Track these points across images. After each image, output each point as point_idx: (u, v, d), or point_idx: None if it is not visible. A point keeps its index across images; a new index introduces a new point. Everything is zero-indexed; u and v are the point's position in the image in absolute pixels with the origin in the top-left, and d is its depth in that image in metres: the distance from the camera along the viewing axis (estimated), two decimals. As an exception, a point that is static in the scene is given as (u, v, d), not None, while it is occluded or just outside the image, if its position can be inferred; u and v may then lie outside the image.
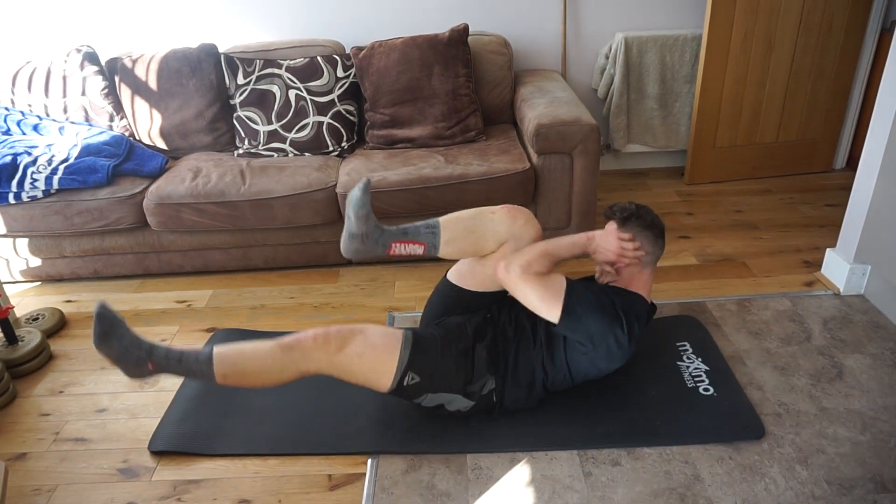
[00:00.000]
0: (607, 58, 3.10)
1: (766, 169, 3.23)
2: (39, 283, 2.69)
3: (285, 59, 2.76)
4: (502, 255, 1.72)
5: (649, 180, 3.32)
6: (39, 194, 2.44)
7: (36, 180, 2.42)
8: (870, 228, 2.13)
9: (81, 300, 2.54)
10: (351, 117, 2.80)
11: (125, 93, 2.80)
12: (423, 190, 2.40)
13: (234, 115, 2.78)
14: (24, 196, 2.43)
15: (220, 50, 2.82)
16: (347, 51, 2.90)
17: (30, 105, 2.78)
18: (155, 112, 2.80)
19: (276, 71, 2.72)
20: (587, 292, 1.65)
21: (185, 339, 2.25)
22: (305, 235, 2.54)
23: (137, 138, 2.86)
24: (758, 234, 2.71)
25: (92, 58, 2.79)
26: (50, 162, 2.47)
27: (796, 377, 1.87)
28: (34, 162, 2.46)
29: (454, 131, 2.72)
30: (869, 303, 2.19)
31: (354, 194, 1.62)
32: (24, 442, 1.82)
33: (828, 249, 2.35)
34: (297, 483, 1.63)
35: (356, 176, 2.45)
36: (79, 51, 2.77)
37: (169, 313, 2.41)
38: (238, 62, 2.74)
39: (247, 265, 2.63)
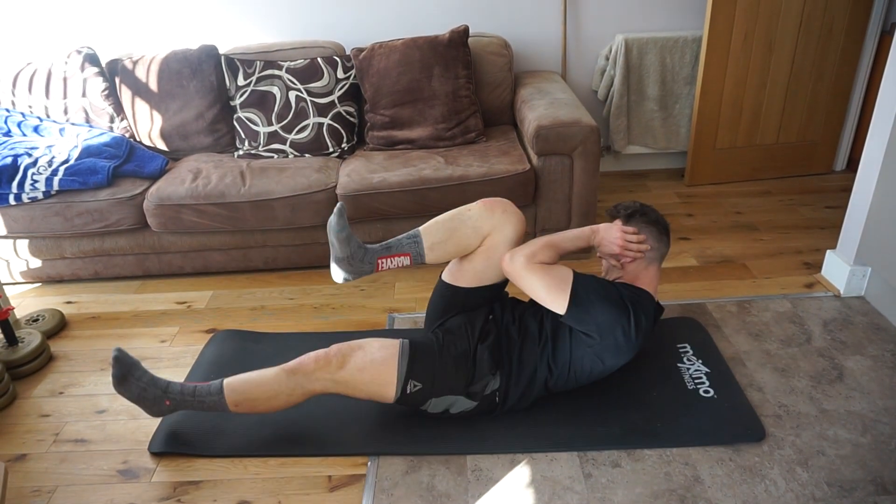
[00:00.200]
0: (607, 59, 3.10)
1: (767, 170, 3.23)
2: (40, 284, 2.69)
3: (286, 61, 2.76)
4: (487, 248, 1.73)
5: (649, 182, 3.32)
6: (40, 195, 2.44)
7: (36, 181, 2.42)
8: (870, 230, 2.13)
9: (82, 301, 2.54)
10: (351, 118, 2.81)
11: (125, 94, 2.80)
12: (424, 191, 2.40)
13: (235, 116, 2.78)
14: (25, 197, 2.43)
15: (221, 51, 2.82)
16: (348, 52, 2.91)
17: (30, 106, 2.78)
18: (155, 113, 2.80)
19: (277, 72, 2.72)
20: (594, 282, 1.66)
21: (185, 339, 2.25)
22: (305, 236, 2.54)
23: (138, 139, 2.86)
24: (758, 235, 2.71)
25: (92, 59, 2.79)
26: (50, 163, 2.47)
27: (797, 379, 1.87)
28: (35, 163, 2.46)
29: (454, 132, 2.72)
30: (869, 304, 2.18)
31: (332, 220, 1.66)
32: (24, 443, 1.82)
33: (828, 251, 2.34)
34: (298, 484, 1.63)
35: (356, 177, 2.45)
36: (79, 52, 2.78)
37: (169, 314, 2.41)
38: (238, 63, 2.74)
39: (247, 266, 2.63)
